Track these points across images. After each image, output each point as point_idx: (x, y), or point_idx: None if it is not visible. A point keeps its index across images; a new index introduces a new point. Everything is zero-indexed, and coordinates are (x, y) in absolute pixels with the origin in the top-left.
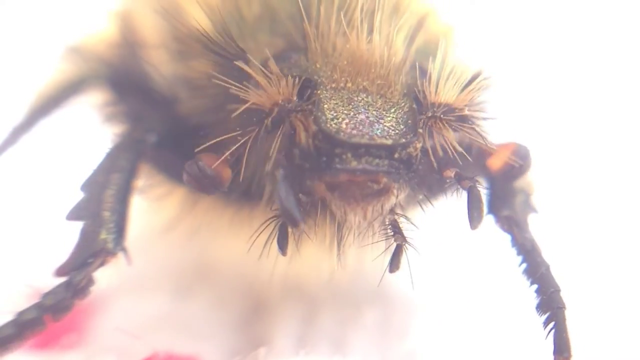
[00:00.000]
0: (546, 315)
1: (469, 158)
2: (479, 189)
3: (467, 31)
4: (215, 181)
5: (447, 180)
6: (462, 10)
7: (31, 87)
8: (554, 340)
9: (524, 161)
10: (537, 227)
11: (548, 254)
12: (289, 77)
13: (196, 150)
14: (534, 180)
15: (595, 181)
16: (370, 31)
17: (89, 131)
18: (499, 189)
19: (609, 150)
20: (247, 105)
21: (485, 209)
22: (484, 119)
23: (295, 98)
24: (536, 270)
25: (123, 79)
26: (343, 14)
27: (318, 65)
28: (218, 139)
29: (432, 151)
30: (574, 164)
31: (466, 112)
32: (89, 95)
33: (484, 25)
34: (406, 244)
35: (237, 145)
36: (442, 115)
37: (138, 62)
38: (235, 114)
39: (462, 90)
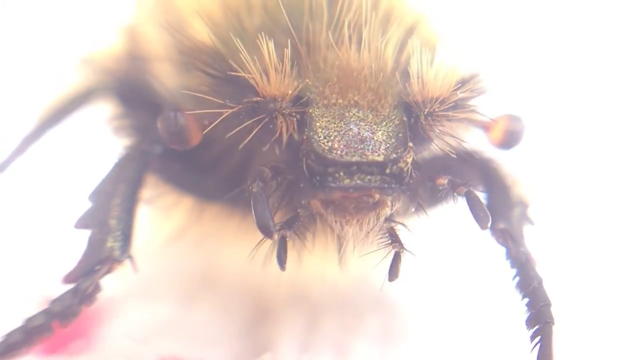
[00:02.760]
0: (534, 330)
1: (462, 152)
2: (474, 192)
3: (468, 31)
4: (182, 134)
5: (441, 188)
6: (461, 10)
7: (37, 95)
8: (538, 355)
9: (520, 125)
10: (533, 238)
11: (543, 265)
12: (293, 81)
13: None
14: (532, 191)
15: (595, 191)
16: (359, 45)
17: (97, 143)
18: (496, 201)
19: (608, 161)
20: (241, 74)
21: (486, 209)
22: (476, 96)
23: (288, 100)
24: (528, 284)
25: (130, 91)
26: (332, 29)
27: (309, 82)
28: (200, 94)
29: (429, 155)
30: (573, 174)
31: (457, 97)
32: (97, 106)
33: (485, 25)
34: (404, 251)
35: (214, 110)
36: (435, 112)
37: (144, 75)
38: (231, 73)
39: (444, 80)
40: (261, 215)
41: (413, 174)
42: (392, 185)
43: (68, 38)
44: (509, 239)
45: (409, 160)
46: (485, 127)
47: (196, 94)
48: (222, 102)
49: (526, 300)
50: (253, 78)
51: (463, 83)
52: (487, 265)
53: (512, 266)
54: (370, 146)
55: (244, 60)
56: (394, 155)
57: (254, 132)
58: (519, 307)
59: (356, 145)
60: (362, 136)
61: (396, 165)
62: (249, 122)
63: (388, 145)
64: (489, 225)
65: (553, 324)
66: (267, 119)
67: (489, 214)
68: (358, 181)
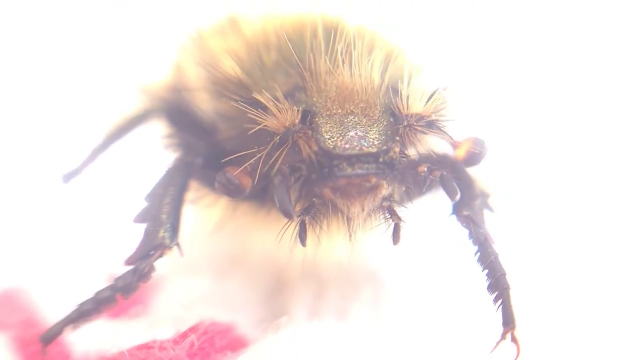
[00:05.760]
0: (495, 294)
1: (437, 154)
2: (446, 174)
3: (467, 32)
4: (238, 188)
5: (422, 174)
6: (462, 11)
7: (104, 116)
8: (502, 314)
9: (482, 148)
10: (494, 223)
11: (502, 244)
12: (294, 108)
13: (222, 161)
14: (493, 183)
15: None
16: (351, 67)
17: (153, 156)
18: (462, 193)
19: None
20: (262, 125)
21: (456, 187)
22: (447, 121)
23: (298, 123)
24: (487, 258)
25: (176, 114)
26: (328, 57)
27: (315, 99)
28: (240, 154)
29: (409, 151)
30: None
31: (432, 117)
32: (151, 126)
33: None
34: (402, 222)
35: (253, 159)
36: (414, 123)
37: (186, 102)
38: (252, 131)
39: (426, 102)
40: (282, 201)
41: (401, 162)
42: (385, 171)
43: (130, 72)
44: (471, 222)
45: (397, 150)
46: (454, 145)
47: (235, 155)
48: (254, 149)
49: (486, 271)
50: (266, 124)
51: (438, 104)
52: (459, 248)
53: (474, 244)
54: (366, 142)
55: (255, 115)
56: (385, 147)
57: (282, 156)
58: (478, 284)
59: (354, 142)
60: (358, 135)
61: (387, 155)
62: (279, 152)
63: (379, 140)
64: (456, 197)
65: (510, 289)
66: (289, 145)
67: (457, 189)
68: (358, 170)
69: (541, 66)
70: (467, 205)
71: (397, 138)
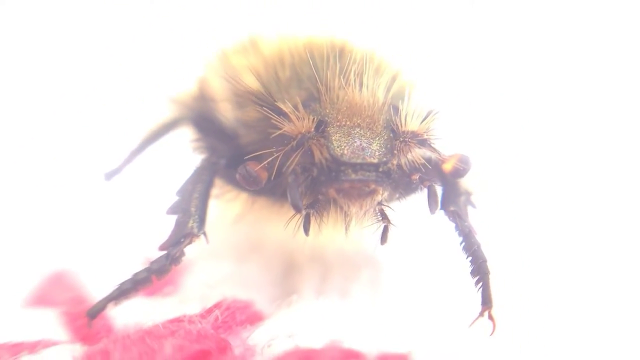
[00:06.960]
0: (476, 278)
1: (429, 166)
2: (434, 186)
3: (466, 34)
4: (256, 180)
5: (414, 182)
6: (462, 11)
7: (140, 123)
8: (482, 295)
9: (467, 164)
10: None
11: (484, 235)
12: (310, 117)
13: (245, 158)
14: (475, 184)
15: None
16: (361, 86)
17: (182, 157)
18: (448, 191)
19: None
20: (281, 131)
21: (439, 200)
22: (437, 139)
23: (313, 131)
24: (470, 247)
25: (203, 121)
26: (342, 75)
27: (327, 111)
28: (260, 152)
29: (404, 163)
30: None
31: (425, 136)
32: (180, 132)
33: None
34: (390, 225)
35: (272, 158)
36: (409, 140)
37: (212, 111)
38: (272, 136)
39: (421, 122)
40: (294, 197)
41: (397, 171)
42: (383, 179)
43: (162, 83)
44: (457, 216)
45: (395, 162)
46: (442, 160)
47: (256, 153)
48: (272, 149)
49: (470, 258)
50: (285, 129)
51: (430, 124)
52: (446, 239)
53: (459, 235)
54: (368, 153)
55: (276, 120)
56: (384, 159)
57: (297, 158)
58: (466, 265)
59: (359, 152)
60: (363, 146)
61: (385, 166)
62: (295, 155)
63: (380, 152)
64: (438, 210)
65: (489, 274)
66: (304, 149)
67: (439, 204)
68: (360, 176)
69: (538, 67)
70: (453, 201)
71: (395, 151)
